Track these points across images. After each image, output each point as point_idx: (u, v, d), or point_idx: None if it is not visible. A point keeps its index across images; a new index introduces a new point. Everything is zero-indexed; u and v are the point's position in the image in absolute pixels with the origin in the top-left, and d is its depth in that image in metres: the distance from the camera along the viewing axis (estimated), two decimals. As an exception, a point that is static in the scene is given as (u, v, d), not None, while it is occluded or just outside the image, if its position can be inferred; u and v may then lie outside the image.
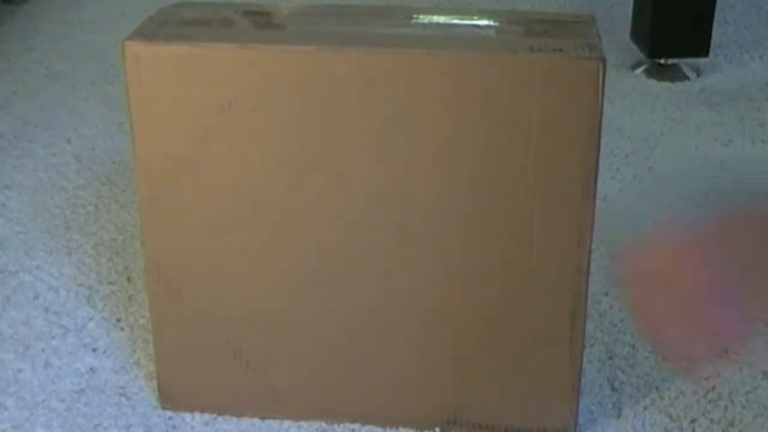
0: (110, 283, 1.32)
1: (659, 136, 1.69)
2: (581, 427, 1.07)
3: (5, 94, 1.87)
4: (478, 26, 0.99)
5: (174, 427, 1.08)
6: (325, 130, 0.96)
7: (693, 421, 1.08)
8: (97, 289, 1.31)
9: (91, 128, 1.74)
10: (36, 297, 1.30)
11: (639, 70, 1.92)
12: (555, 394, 1.03)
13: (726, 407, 1.10)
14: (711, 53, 1.92)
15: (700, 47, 1.91)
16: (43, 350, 1.20)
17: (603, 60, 0.89)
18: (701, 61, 1.94)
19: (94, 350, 1.20)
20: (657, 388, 1.13)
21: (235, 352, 1.06)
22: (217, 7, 1.05)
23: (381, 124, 0.95)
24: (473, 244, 0.98)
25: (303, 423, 1.08)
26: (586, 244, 0.96)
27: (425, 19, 1.01)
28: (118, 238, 1.42)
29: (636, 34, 1.94)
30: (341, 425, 1.08)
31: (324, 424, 1.08)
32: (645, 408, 1.10)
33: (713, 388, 1.13)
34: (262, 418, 1.09)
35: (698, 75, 1.92)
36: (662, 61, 1.91)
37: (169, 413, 1.10)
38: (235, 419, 1.09)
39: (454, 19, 1.01)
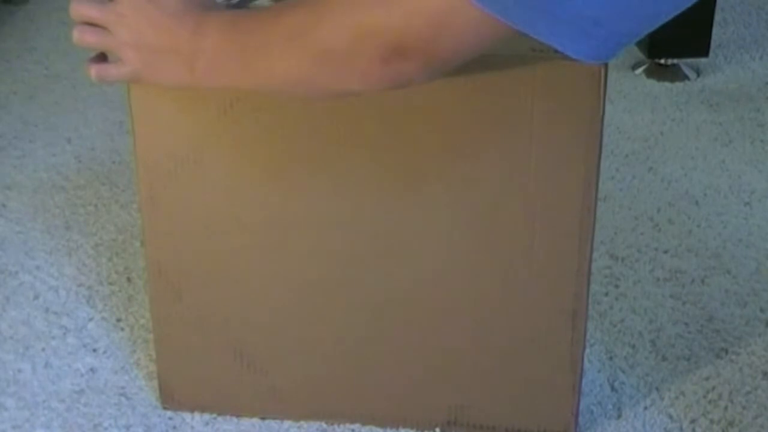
0: (110, 283, 1.32)
1: (659, 136, 1.69)
2: (581, 427, 1.07)
3: (5, 94, 1.87)
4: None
5: (174, 427, 1.09)
6: (326, 131, 0.96)
7: (693, 421, 1.08)
8: (97, 289, 1.31)
9: (91, 128, 1.74)
10: (36, 297, 1.30)
11: (639, 70, 1.92)
12: (555, 395, 1.03)
13: (726, 407, 1.10)
14: (711, 53, 1.92)
15: (700, 47, 1.91)
16: (43, 350, 1.20)
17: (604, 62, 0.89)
18: (701, 61, 1.94)
19: (94, 350, 1.20)
20: (657, 388, 1.13)
21: (235, 352, 1.06)
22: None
23: (381, 124, 0.95)
24: (473, 245, 0.98)
25: (303, 423, 1.08)
26: (587, 244, 0.96)
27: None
28: (118, 238, 1.42)
29: (636, 34, 1.94)
30: (341, 425, 1.08)
31: (324, 424, 1.08)
32: (645, 408, 1.10)
33: (713, 388, 1.13)
34: (263, 418, 1.09)
35: (698, 75, 1.92)
36: (662, 61, 1.91)
37: (169, 413, 1.10)
38: (235, 419, 1.09)
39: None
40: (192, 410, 1.10)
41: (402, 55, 0.79)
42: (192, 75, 0.90)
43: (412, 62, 0.80)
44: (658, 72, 1.91)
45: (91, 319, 1.25)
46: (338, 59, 0.82)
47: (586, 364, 1.11)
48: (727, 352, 1.19)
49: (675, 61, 1.92)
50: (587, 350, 1.16)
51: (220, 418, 1.09)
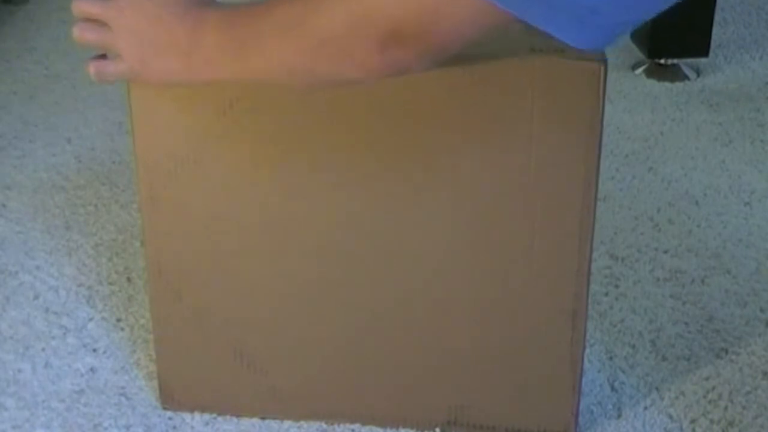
0: (110, 283, 1.32)
1: (659, 136, 1.69)
2: (581, 427, 1.07)
3: (5, 94, 1.87)
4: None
5: (174, 427, 1.09)
6: (326, 131, 0.96)
7: (693, 421, 1.08)
8: (97, 289, 1.31)
9: (91, 128, 1.73)
10: (36, 297, 1.30)
11: (639, 70, 1.92)
12: (555, 395, 1.03)
13: (726, 407, 1.10)
14: (711, 53, 1.92)
15: (700, 47, 1.91)
16: (43, 350, 1.20)
17: (604, 62, 0.89)
18: (701, 61, 1.94)
19: (94, 350, 1.20)
20: (657, 388, 1.13)
21: (235, 352, 1.06)
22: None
23: (381, 123, 0.95)
24: (473, 245, 0.98)
25: (303, 423, 1.08)
26: (587, 244, 0.96)
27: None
28: (118, 238, 1.42)
29: (636, 34, 1.94)
30: (341, 425, 1.08)
31: (324, 424, 1.08)
32: (645, 408, 1.10)
33: (713, 388, 1.13)
34: (263, 418, 1.09)
35: (698, 75, 1.92)
36: (662, 61, 1.91)
37: (169, 413, 1.10)
38: (235, 419, 1.09)
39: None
40: (192, 410, 1.10)
41: (399, 42, 0.79)
42: (190, 71, 0.90)
43: (410, 49, 0.80)
44: (658, 72, 1.91)
45: (91, 319, 1.25)
46: (335, 48, 0.82)
47: (586, 364, 1.11)
48: (727, 352, 1.19)
49: (675, 61, 1.92)
50: (587, 350, 1.16)
51: (220, 418, 1.09)
